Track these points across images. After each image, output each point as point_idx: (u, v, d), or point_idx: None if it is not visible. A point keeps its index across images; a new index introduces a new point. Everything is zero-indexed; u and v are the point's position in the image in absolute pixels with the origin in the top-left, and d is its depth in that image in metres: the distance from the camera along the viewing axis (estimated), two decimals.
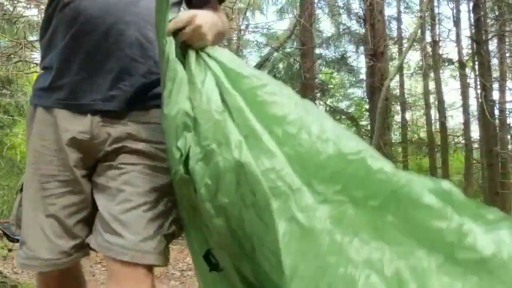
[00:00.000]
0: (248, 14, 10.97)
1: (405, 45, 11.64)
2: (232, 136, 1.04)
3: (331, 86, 14.91)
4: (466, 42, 12.86)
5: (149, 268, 1.20)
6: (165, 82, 1.14)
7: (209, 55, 1.16)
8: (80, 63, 1.24)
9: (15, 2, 6.68)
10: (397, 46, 14.00)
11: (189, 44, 1.18)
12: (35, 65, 5.90)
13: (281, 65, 13.59)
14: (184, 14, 1.19)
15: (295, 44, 12.37)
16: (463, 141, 13.42)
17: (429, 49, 12.11)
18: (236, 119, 1.07)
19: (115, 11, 1.21)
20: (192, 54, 1.16)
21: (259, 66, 11.71)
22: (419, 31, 9.97)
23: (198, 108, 1.08)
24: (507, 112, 11.12)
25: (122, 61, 1.24)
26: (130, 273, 1.16)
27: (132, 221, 1.18)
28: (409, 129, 15.14)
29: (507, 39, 11.40)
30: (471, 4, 9.52)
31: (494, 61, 11.90)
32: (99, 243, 1.21)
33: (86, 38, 1.22)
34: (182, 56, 1.18)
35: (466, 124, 13.33)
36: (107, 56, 1.23)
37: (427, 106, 13.96)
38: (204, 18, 1.19)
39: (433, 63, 12.26)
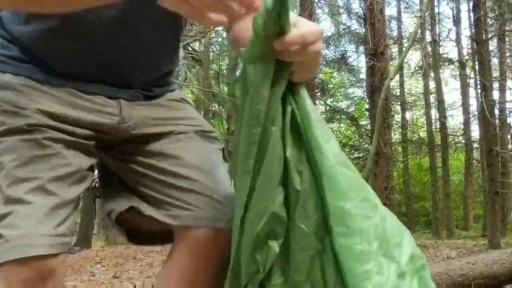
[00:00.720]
0: None
1: (405, 44, 11.63)
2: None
3: (331, 86, 14.92)
4: (466, 42, 12.90)
5: None
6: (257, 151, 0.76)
7: (302, 116, 0.77)
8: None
9: None
10: (397, 45, 14.00)
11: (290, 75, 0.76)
12: None
13: None
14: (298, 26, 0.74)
15: None
16: (463, 141, 13.42)
17: (429, 48, 12.11)
18: (336, 248, 0.77)
19: (130, 58, 1.00)
20: (289, 105, 0.77)
21: None
22: (419, 30, 9.97)
23: (293, 219, 0.77)
24: (507, 112, 11.14)
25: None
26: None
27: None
28: (409, 128, 15.13)
29: (507, 39, 11.40)
30: (471, 4, 9.52)
31: (494, 61, 11.93)
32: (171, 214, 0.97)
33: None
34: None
35: (466, 123, 13.33)
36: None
37: (427, 105, 13.96)
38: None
39: (433, 62, 12.26)
